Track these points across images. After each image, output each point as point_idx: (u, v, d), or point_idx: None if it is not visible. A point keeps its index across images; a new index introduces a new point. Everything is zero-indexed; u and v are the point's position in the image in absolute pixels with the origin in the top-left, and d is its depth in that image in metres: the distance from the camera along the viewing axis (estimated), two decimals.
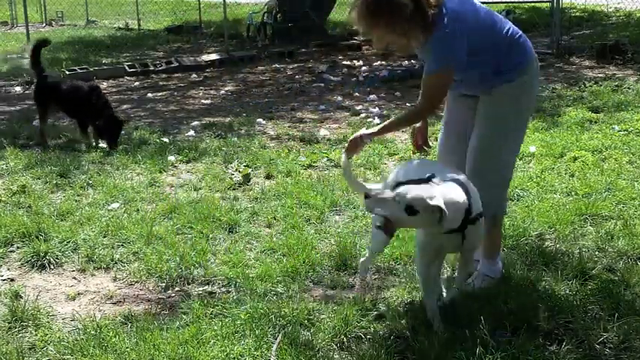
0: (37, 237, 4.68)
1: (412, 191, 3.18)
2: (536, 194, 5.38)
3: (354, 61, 12.74)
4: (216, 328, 3.48)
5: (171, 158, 6.71)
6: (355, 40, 14.96)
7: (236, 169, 6.25)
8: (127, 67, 12.26)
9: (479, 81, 3.77)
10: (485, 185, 3.57)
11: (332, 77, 11.44)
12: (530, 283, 3.86)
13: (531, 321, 3.40)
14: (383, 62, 12.68)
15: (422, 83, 3.69)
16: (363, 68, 12.05)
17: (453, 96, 3.94)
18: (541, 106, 8.46)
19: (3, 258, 4.54)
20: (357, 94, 10.02)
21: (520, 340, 3.24)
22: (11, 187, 5.90)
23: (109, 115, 7.26)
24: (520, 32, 3.79)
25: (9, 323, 3.65)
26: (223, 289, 4.01)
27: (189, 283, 4.12)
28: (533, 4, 16.39)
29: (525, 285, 3.83)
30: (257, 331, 3.43)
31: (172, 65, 12.67)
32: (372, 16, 3.47)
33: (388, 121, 4.05)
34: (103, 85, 11.44)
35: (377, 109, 8.89)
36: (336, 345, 3.36)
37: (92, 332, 3.49)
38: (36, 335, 3.54)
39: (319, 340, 3.36)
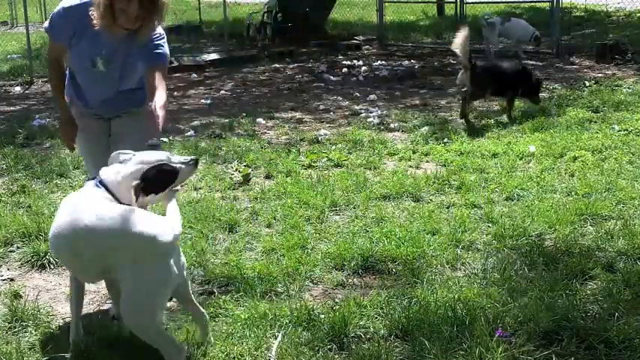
0: (37, 237, 4.68)
1: None
2: (536, 194, 5.38)
3: (354, 61, 12.74)
4: (216, 328, 3.48)
5: None
6: (355, 40, 14.98)
7: (236, 169, 6.26)
8: None
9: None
10: None
11: (332, 77, 11.45)
12: (530, 282, 3.86)
13: (531, 321, 3.40)
14: (383, 62, 12.69)
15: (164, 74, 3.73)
16: (363, 68, 12.05)
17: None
18: (541, 105, 8.46)
19: (3, 258, 4.55)
20: (357, 93, 10.02)
21: (520, 340, 3.25)
22: (11, 187, 5.91)
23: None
24: None
25: (9, 323, 3.65)
26: (223, 289, 4.01)
27: None
28: (533, 4, 16.40)
29: (525, 285, 3.84)
30: (257, 331, 3.43)
31: (172, 65, 12.64)
32: None
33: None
34: None
35: (377, 108, 8.90)
36: (336, 345, 3.36)
37: (91, 332, 3.48)
38: (36, 335, 3.54)
39: (319, 340, 3.36)
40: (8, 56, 13.50)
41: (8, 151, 6.97)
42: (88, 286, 4.13)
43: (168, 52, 3.77)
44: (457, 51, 7.82)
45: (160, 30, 3.69)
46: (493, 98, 8.52)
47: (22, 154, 6.90)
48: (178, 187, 3.43)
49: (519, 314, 3.47)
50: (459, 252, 4.38)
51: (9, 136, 7.64)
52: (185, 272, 3.22)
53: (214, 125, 8.20)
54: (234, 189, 5.84)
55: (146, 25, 3.53)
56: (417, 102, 9.41)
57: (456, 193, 5.53)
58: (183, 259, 3.19)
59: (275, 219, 5.06)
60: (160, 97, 3.54)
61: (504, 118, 8.03)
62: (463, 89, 8.07)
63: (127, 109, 3.91)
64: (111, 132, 3.98)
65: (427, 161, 6.55)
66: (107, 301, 3.94)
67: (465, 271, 4.15)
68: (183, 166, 3.29)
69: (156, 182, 3.21)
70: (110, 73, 3.75)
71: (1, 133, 7.88)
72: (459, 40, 7.70)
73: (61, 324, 3.69)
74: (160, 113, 3.48)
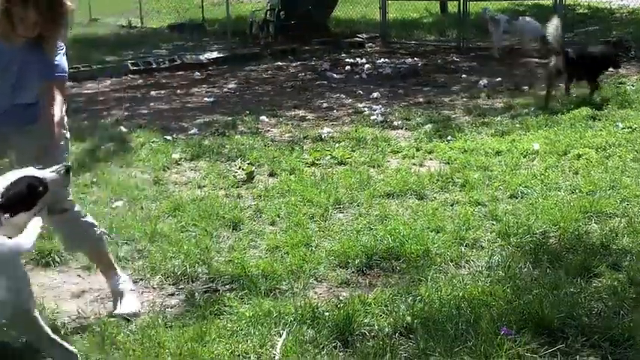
0: (41, 235, 4.66)
1: None
2: (540, 192, 5.37)
3: (357, 59, 12.73)
4: (220, 325, 3.49)
5: (175, 156, 6.71)
6: (358, 37, 14.97)
7: (239, 167, 6.26)
8: (130, 65, 12.26)
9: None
10: None
11: (335, 75, 11.44)
12: (534, 280, 3.86)
13: (536, 319, 3.40)
14: (386, 60, 12.68)
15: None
16: (366, 66, 12.04)
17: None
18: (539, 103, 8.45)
19: None
20: (360, 91, 10.01)
21: (525, 338, 3.24)
22: None
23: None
24: None
25: None
26: (227, 287, 4.01)
27: (193, 281, 4.12)
28: (536, 1, 16.36)
29: (530, 282, 3.83)
30: (261, 329, 3.43)
31: (175, 63, 12.68)
32: None
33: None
34: (106, 82, 11.48)
35: (380, 106, 8.89)
36: (341, 342, 3.36)
37: (97, 330, 3.49)
38: None
39: (323, 338, 3.36)
40: None
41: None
42: (92, 285, 4.15)
43: (65, 64, 3.55)
44: (550, 38, 8.32)
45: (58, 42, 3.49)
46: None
47: None
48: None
49: (524, 312, 3.46)
50: (463, 250, 4.37)
51: None
52: (23, 300, 2.92)
53: (217, 123, 8.20)
54: (237, 187, 5.84)
55: (51, 35, 3.35)
56: (421, 99, 9.40)
57: (460, 190, 5.52)
58: (24, 285, 2.91)
59: (279, 217, 5.06)
60: (54, 114, 3.38)
61: (506, 117, 8.00)
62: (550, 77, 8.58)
63: (21, 126, 3.57)
64: (10, 153, 3.73)
65: (431, 159, 6.54)
66: (111, 299, 3.95)
67: (469, 268, 4.15)
68: (53, 175, 3.04)
69: (21, 198, 2.89)
70: (4, 83, 3.48)
71: None
72: (552, 28, 8.23)
73: (66, 321, 3.69)
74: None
